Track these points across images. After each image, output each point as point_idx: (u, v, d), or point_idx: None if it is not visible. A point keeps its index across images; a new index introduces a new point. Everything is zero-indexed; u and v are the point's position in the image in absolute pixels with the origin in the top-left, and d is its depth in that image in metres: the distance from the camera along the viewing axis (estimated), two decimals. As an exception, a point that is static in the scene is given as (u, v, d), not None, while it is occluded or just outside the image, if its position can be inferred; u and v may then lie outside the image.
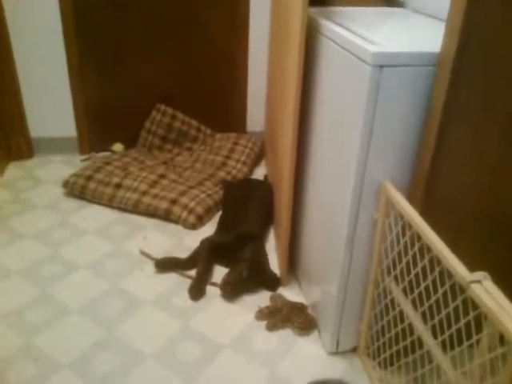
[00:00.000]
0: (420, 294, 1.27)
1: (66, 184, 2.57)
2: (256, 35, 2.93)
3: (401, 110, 1.28)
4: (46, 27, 2.71)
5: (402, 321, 1.38)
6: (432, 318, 1.23)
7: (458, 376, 1.13)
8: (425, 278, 1.22)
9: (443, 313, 1.15)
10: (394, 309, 1.43)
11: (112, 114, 3.02)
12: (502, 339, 0.93)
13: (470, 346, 1.07)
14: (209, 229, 2.36)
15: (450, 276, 1.08)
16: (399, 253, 1.36)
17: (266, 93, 2.96)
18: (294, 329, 1.78)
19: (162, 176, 2.60)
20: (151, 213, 2.44)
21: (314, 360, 1.69)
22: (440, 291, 1.15)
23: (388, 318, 1.48)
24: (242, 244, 2.04)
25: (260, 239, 2.17)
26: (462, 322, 1.06)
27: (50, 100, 2.90)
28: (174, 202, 2.42)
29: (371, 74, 1.23)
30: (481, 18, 1.11)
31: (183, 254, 2.12)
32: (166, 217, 2.42)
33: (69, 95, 2.90)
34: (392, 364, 1.53)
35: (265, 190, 2.40)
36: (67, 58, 2.80)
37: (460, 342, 1.10)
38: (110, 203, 2.50)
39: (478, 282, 0.99)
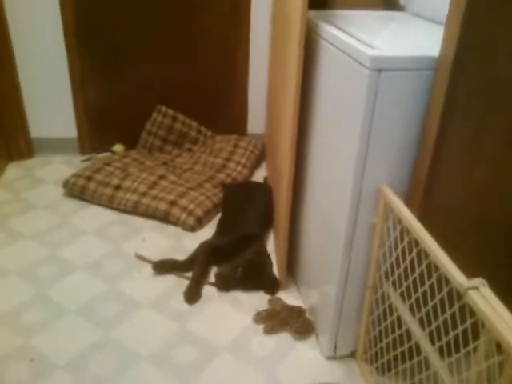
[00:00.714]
0: (418, 299, 1.26)
1: (65, 184, 2.56)
2: (257, 37, 2.93)
3: (399, 114, 1.28)
4: (47, 28, 2.71)
5: (400, 326, 1.37)
6: (429, 324, 1.22)
7: (455, 383, 1.12)
8: (422, 283, 1.22)
9: (441, 319, 1.14)
10: (391, 314, 1.42)
11: (113, 115, 3.02)
12: (499, 346, 0.92)
13: (468, 353, 1.06)
14: (208, 231, 2.36)
15: (448, 282, 1.07)
16: (397, 258, 1.35)
17: (267, 95, 2.96)
18: (291, 333, 1.78)
19: (162, 177, 2.60)
20: (150, 214, 2.43)
21: (312, 364, 1.68)
22: (437, 297, 1.14)
23: (386, 323, 1.47)
24: (241, 246, 2.03)
25: (261, 241, 2.16)
26: (460, 328, 1.05)
27: (50, 100, 2.90)
28: (173, 203, 2.42)
29: (369, 77, 1.23)
30: (479, 23, 1.10)
31: (182, 256, 2.12)
32: (165, 218, 2.41)
33: (69, 96, 2.90)
34: (389, 369, 1.52)
35: (264, 192, 2.39)
36: (68, 58, 2.80)
37: (457, 349, 1.09)
38: (109, 204, 2.49)
39: (476, 288, 0.98)
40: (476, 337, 1.00)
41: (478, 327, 0.98)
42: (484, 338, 0.96)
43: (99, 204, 2.52)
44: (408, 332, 1.32)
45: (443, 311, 1.13)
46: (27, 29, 2.70)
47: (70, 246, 2.21)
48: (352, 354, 1.69)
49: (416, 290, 1.26)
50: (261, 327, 1.80)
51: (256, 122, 3.17)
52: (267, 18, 2.87)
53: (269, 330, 1.78)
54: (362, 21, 1.67)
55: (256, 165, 2.98)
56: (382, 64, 1.22)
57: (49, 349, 1.68)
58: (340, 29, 1.51)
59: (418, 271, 1.23)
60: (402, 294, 1.35)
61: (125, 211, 2.49)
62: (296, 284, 2.04)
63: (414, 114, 1.28)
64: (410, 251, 1.26)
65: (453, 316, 1.09)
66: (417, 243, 1.20)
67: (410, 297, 1.30)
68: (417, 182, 1.31)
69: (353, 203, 1.39)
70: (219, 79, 3.05)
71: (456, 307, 1.06)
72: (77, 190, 2.54)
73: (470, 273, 1.04)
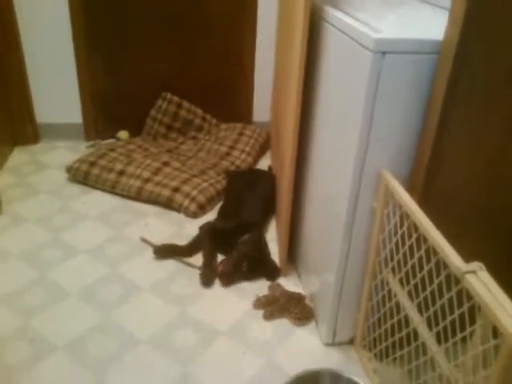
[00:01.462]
0: (416, 285, 1.25)
1: (69, 169, 2.57)
2: (264, 24, 2.91)
3: (402, 97, 1.26)
4: (54, 14, 2.71)
5: (398, 312, 1.36)
6: (427, 309, 1.21)
7: (452, 368, 1.11)
8: (421, 268, 1.21)
9: (438, 304, 1.14)
10: (390, 300, 1.41)
11: (118, 102, 3.01)
12: (495, 333, 0.91)
13: (464, 339, 1.05)
14: (210, 218, 2.35)
15: (446, 267, 1.06)
16: (397, 243, 1.34)
17: (273, 83, 2.94)
18: (290, 319, 1.77)
19: (166, 164, 2.60)
20: (153, 200, 2.44)
21: (310, 350, 1.68)
22: (436, 282, 1.14)
23: (384, 309, 1.46)
24: (242, 232, 2.03)
25: (259, 228, 2.15)
26: (457, 313, 1.04)
27: (56, 86, 2.90)
28: (176, 189, 2.42)
29: (373, 60, 1.21)
30: (484, 7, 1.08)
31: (183, 242, 2.12)
32: (168, 204, 2.41)
33: (75, 82, 2.90)
34: (387, 356, 1.51)
35: (268, 179, 2.39)
36: (74, 44, 2.79)
37: (454, 334, 1.08)
38: (112, 189, 2.50)
39: (473, 272, 0.97)
40: (473, 322, 0.99)
41: (474, 313, 0.98)
42: (480, 321, 0.95)
43: (103, 189, 2.53)
44: (406, 318, 1.32)
45: (441, 296, 1.12)
46: (34, 15, 2.69)
47: (72, 231, 2.22)
48: (351, 341, 1.69)
49: (415, 276, 1.25)
50: (260, 313, 1.80)
51: (262, 110, 3.15)
52: (275, 3, 2.84)
53: (268, 316, 1.78)
54: (367, 5, 1.65)
55: (260, 153, 2.97)
56: (385, 46, 1.20)
57: (49, 330, 1.69)
58: (344, 12, 1.49)
59: (416, 256, 1.22)
60: (400, 280, 1.35)
61: (128, 197, 2.49)
62: (297, 271, 2.04)
63: (417, 97, 1.26)
64: (410, 236, 1.25)
65: (450, 301, 1.08)
66: (416, 228, 1.19)
67: (408, 282, 1.29)
68: (418, 167, 1.29)
69: (353, 188, 1.38)
70: (225, 67, 3.04)
71: (454, 292, 1.05)
72: (80, 175, 2.54)
73: (471, 259, 1.03)
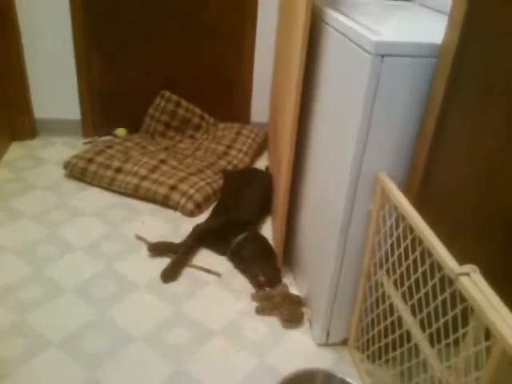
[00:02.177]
0: (410, 286, 1.26)
1: (66, 165, 2.57)
2: (264, 23, 2.91)
3: (400, 100, 1.27)
4: (54, 10, 2.71)
5: (392, 314, 1.37)
6: (421, 311, 1.22)
7: (444, 370, 1.12)
8: (416, 270, 1.22)
9: (432, 306, 1.14)
10: (384, 302, 1.42)
11: (116, 99, 3.01)
12: (487, 335, 0.92)
13: (457, 341, 1.06)
14: (206, 217, 2.36)
15: (440, 269, 1.07)
16: (392, 245, 1.35)
17: (272, 83, 2.95)
18: (279, 319, 1.78)
19: (163, 162, 2.60)
20: (150, 198, 2.44)
21: (304, 351, 1.69)
22: (430, 284, 1.14)
23: (378, 311, 1.47)
24: (231, 230, 2.04)
25: (253, 227, 2.16)
26: (450, 314, 1.05)
27: (55, 82, 2.90)
28: (173, 188, 2.42)
29: (372, 63, 1.22)
30: (482, 11, 1.09)
31: (179, 241, 2.12)
32: (165, 202, 2.42)
33: (74, 78, 2.90)
34: (380, 357, 1.52)
35: (264, 179, 2.39)
36: (73, 41, 2.79)
37: (447, 336, 1.09)
38: (109, 186, 2.50)
39: (467, 274, 0.98)
40: (465, 324, 1.00)
41: (467, 315, 0.98)
42: (473, 323, 0.96)
43: (99, 186, 2.53)
44: (399, 320, 1.33)
45: (435, 298, 1.13)
46: (34, 10, 2.69)
47: (68, 227, 2.22)
48: (344, 342, 1.70)
49: (409, 278, 1.26)
50: (255, 313, 1.81)
51: (259, 110, 3.16)
52: (274, 5, 2.84)
53: (260, 311, 1.80)
54: (367, 8, 1.66)
55: (258, 153, 2.98)
56: (385, 49, 1.21)
57: (44, 326, 1.69)
58: (345, 15, 1.50)
59: (411, 258, 1.23)
60: (395, 282, 1.36)
61: (125, 194, 2.49)
62: (292, 271, 2.05)
63: (415, 100, 1.27)
64: (405, 238, 1.26)
65: (444, 303, 1.09)
66: (411, 230, 1.20)
67: (402, 284, 1.30)
68: (415, 170, 1.30)
69: (350, 189, 1.39)
70: (224, 67, 3.05)
71: (447, 294, 1.06)
72: (77, 172, 2.54)
73: (466, 261, 1.03)
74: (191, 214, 2.37)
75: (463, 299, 0.98)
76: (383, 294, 1.42)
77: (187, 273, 1.99)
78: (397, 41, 1.22)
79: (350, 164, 1.36)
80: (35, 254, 2.03)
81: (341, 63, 1.44)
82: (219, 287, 1.94)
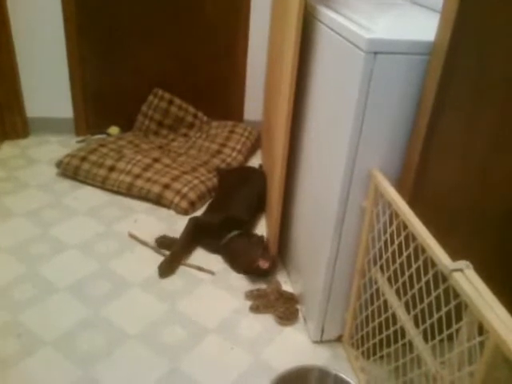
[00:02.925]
0: (404, 283, 1.27)
1: (59, 164, 2.55)
2: (257, 22, 2.91)
3: (393, 97, 1.28)
4: (46, 7, 2.69)
5: (386, 311, 1.38)
6: (415, 307, 1.23)
7: (437, 365, 1.13)
8: (409, 267, 1.22)
9: (426, 302, 1.15)
10: (378, 298, 1.42)
11: (109, 97, 3.00)
12: (480, 330, 0.93)
13: (450, 337, 1.07)
14: (201, 214, 2.35)
15: (434, 265, 1.08)
16: (386, 242, 1.36)
17: (265, 81, 2.95)
18: (274, 317, 1.78)
19: (156, 160, 2.59)
20: (143, 196, 2.43)
21: (299, 348, 1.69)
22: (423, 280, 1.15)
23: (372, 307, 1.48)
24: (227, 227, 2.04)
25: (246, 225, 2.17)
26: (443, 310, 1.06)
27: (47, 80, 2.88)
28: (166, 186, 2.42)
29: (365, 60, 1.22)
30: (475, 9, 1.10)
31: (173, 239, 2.12)
32: (158, 201, 2.41)
33: (66, 76, 2.88)
34: (374, 354, 1.53)
35: (258, 177, 2.39)
36: (66, 38, 2.77)
37: (441, 332, 1.10)
38: (102, 185, 2.49)
39: (460, 270, 0.99)
40: (459, 320, 1.01)
41: (460, 311, 0.99)
42: (466, 319, 0.96)
43: (93, 185, 2.52)
44: (393, 316, 1.33)
45: (428, 295, 1.13)
46: (26, 8, 2.67)
47: (62, 226, 2.21)
48: (339, 339, 1.70)
49: (403, 274, 1.27)
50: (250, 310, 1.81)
51: (253, 109, 3.16)
52: (267, 4, 2.84)
53: (254, 309, 1.80)
54: (360, 6, 1.66)
55: (251, 151, 2.98)
56: (377, 47, 1.22)
57: (37, 325, 1.68)
58: (338, 12, 1.50)
59: (405, 254, 1.24)
60: (389, 278, 1.36)
61: (118, 193, 2.48)
62: (286, 268, 2.05)
63: (408, 97, 1.28)
64: (399, 235, 1.26)
65: (437, 299, 1.10)
66: (405, 227, 1.20)
67: (396, 281, 1.31)
68: (408, 167, 1.31)
69: (344, 186, 1.40)
70: (217, 65, 3.04)
71: (441, 290, 1.06)
72: (70, 170, 2.53)
73: (459, 259, 1.04)
74: (185, 212, 2.36)
75: (456, 295, 0.98)
76: (377, 290, 1.43)
77: (182, 271, 1.99)
78: (389, 38, 1.22)
79: (343, 161, 1.37)
80: (28, 252, 2.02)
81: (334, 61, 1.44)
82: (214, 285, 1.94)
